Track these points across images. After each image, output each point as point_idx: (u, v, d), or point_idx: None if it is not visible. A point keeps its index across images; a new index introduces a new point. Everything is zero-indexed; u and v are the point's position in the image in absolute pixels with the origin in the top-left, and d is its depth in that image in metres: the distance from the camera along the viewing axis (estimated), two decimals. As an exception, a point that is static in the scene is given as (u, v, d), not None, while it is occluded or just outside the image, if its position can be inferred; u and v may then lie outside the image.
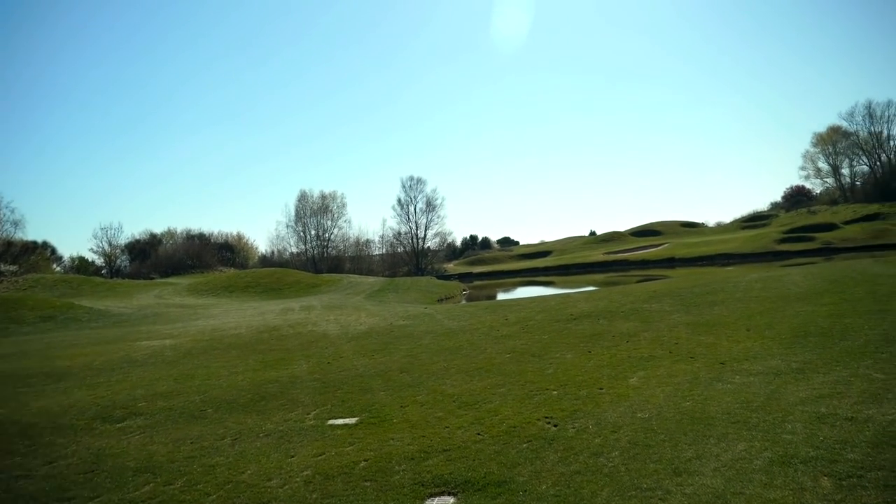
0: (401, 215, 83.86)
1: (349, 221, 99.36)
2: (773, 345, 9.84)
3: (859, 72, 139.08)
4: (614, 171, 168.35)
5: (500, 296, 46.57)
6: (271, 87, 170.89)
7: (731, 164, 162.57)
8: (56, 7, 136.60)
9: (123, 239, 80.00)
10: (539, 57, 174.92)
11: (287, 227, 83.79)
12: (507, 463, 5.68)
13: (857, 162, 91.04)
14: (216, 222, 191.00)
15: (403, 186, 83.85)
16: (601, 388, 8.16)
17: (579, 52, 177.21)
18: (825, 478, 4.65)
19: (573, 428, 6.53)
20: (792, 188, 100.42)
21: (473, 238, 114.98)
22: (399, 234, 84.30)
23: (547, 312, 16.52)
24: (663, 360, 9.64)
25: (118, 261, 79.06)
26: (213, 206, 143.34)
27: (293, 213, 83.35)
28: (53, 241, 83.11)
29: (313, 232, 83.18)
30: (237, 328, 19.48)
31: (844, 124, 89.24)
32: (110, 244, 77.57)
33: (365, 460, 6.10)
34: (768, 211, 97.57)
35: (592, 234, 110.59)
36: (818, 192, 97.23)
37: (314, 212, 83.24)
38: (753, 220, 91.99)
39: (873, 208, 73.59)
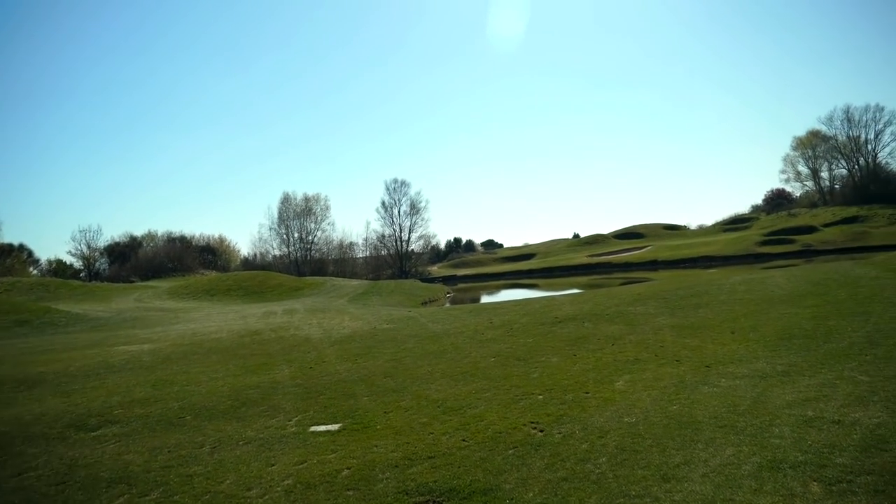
0: (385, 218, 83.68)
1: (333, 224, 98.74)
2: (757, 347, 9.83)
3: (838, 77, 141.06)
4: (597, 174, 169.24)
5: (485, 298, 46.52)
6: (256, 89, 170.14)
7: (712, 168, 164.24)
8: (32, 10, 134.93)
9: (102, 241, 79.06)
10: (523, 62, 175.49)
11: (270, 229, 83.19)
12: (493, 470, 5.56)
13: (836, 165, 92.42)
14: (198, 225, 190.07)
15: (388, 189, 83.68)
16: (587, 393, 8.07)
17: (563, 57, 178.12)
18: (815, 483, 4.59)
19: (559, 433, 6.43)
20: (772, 191, 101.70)
21: (457, 241, 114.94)
22: (383, 236, 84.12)
23: (531, 315, 16.45)
24: (649, 363, 9.58)
25: (97, 264, 78.11)
26: (194, 209, 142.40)
27: (276, 215, 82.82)
28: (30, 244, 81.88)
29: (296, 234, 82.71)
30: (218, 332, 19.21)
31: (823, 128, 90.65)
32: (89, 247, 76.68)
33: (348, 468, 5.96)
34: (749, 214, 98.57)
35: (576, 236, 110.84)
36: (798, 195, 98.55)
37: (297, 214, 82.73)
38: (735, 223, 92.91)
39: (852, 211, 74.66)
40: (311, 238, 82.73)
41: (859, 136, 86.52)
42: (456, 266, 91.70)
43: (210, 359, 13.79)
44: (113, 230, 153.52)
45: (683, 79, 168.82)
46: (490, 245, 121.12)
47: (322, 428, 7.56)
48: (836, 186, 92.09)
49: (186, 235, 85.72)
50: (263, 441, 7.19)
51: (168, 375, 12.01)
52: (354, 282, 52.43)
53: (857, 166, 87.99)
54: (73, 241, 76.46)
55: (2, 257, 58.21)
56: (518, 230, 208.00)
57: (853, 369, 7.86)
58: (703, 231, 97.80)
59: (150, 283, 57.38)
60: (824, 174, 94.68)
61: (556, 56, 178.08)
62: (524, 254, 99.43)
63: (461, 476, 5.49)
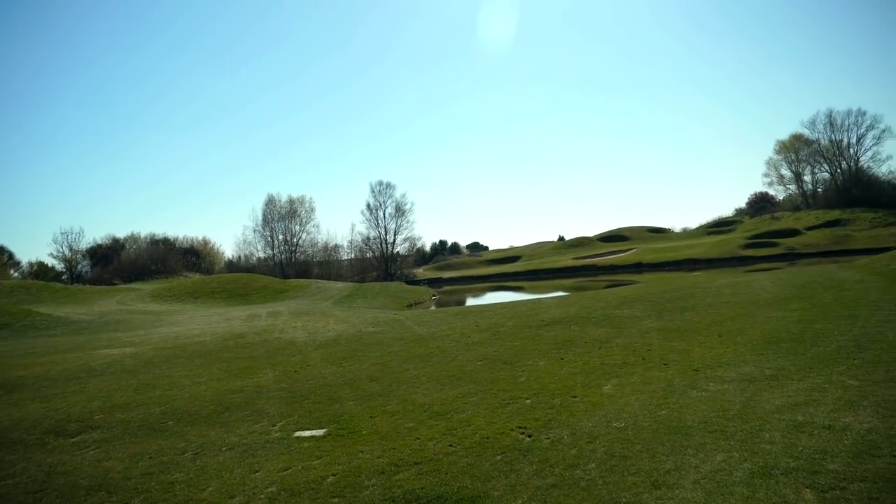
0: (370, 220, 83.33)
1: (318, 226, 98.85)
2: (745, 351, 9.83)
3: (821, 81, 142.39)
4: (583, 177, 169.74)
5: (470, 301, 46.46)
6: (241, 92, 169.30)
7: (696, 171, 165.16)
8: (12, 13, 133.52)
9: (85, 244, 78.10)
10: (510, 66, 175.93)
11: (254, 231, 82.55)
12: (481, 476, 5.48)
13: (819, 169, 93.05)
14: (181, 227, 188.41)
15: (373, 191, 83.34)
16: (575, 397, 8.02)
17: (550, 62, 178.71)
18: (807, 490, 4.54)
19: (548, 438, 6.36)
20: (756, 195, 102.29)
21: (443, 243, 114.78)
22: (368, 238, 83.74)
23: (518, 318, 16.40)
24: (636, 367, 9.54)
25: (79, 266, 77.15)
26: (178, 211, 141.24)
27: (260, 217, 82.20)
28: (11, 246, 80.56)
29: (281, 237, 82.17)
30: (201, 335, 18.99)
31: (806, 132, 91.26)
32: (71, 249, 75.76)
33: (333, 475, 5.86)
34: (733, 217, 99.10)
35: (561, 239, 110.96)
36: (781, 198, 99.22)
37: (282, 216, 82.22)
38: (719, 226, 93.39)
39: (835, 214, 75.27)
40: (295, 240, 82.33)
41: (842, 140, 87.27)
42: (441, 268, 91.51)
43: (193, 362, 13.61)
44: (95, 232, 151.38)
45: (668, 82, 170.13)
46: (475, 247, 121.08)
47: (307, 433, 7.45)
48: (819, 190, 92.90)
49: (170, 237, 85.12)
50: (247, 447, 7.07)
51: (150, 379, 11.83)
52: (339, 284, 52.17)
53: (839, 170, 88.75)
54: (55, 243, 75.59)
55: (-18, 259, 57.41)
56: (503, 233, 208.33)
57: (842, 373, 7.85)
58: (687, 234, 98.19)
59: (133, 285, 56.81)
60: (807, 178, 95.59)
61: (542, 61, 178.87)
62: (509, 256, 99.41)
63: (448, 483, 5.40)
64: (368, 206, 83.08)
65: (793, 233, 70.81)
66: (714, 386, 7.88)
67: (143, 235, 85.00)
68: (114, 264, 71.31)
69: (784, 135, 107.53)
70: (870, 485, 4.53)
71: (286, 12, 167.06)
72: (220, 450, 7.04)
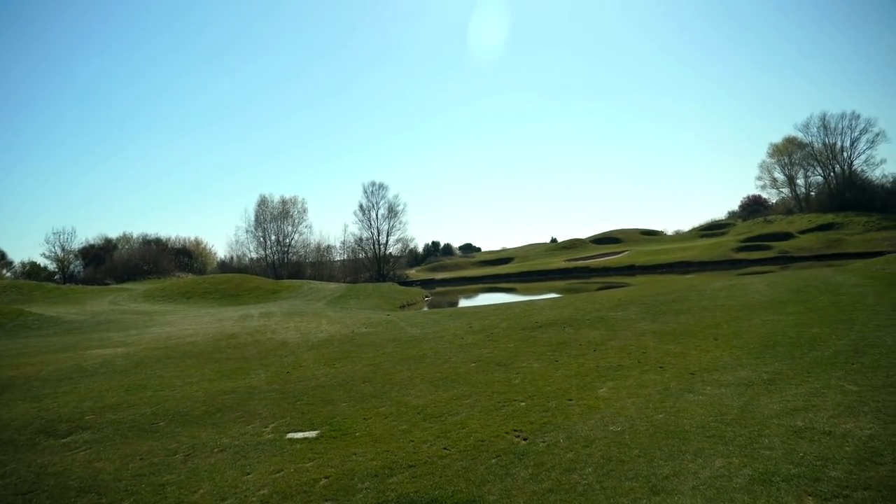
0: (362, 221, 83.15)
1: (310, 227, 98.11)
2: (742, 354, 9.79)
3: (815, 84, 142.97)
4: (575, 179, 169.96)
5: (463, 302, 46.43)
6: (235, 93, 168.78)
7: (689, 174, 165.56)
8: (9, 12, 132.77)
9: (77, 244, 77.63)
10: (504, 69, 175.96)
11: (247, 232, 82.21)
12: (476, 480, 5.43)
13: (812, 172, 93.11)
14: (174, 227, 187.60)
15: (365, 192, 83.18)
16: (570, 400, 7.97)
17: (543, 66, 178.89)
18: (810, 497, 4.50)
19: (543, 442, 6.31)
20: (748, 197, 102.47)
21: (435, 244, 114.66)
22: (361, 239, 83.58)
23: (512, 320, 16.35)
24: (632, 369, 9.50)
25: (72, 266, 76.70)
26: (170, 211, 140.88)
27: (253, 218, 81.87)
28: (3, 246, 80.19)
29: (273, 237, 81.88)
30: (193, 336, 18.88)
31: (800, 135, 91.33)
32: (63, 249, 75.26)
33: (326, 477, 5.80)
34: (726, 220, 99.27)
35: (554, 241, 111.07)
36: (774, 201, 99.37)
37: (274, 217, 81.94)
38: (711, 229, 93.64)
39: (828, 218, 75.40)
40: (288, 241, 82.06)
41: (835, 144, 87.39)
42: (434, 269, 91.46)
43: (185, 363, 13.52)
44: (87, 232, 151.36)
45: (661, 85, 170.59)
46: (468, 249, 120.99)
47: (299, 435, 7.38)
48: (812, 193, 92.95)
49: (162, 238, 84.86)
50: (239, 448, 7.00)
51: (142, 380, 11.73)
52: (332, 285, 52.04)
53: (832, 173, 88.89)
54: (47, 243, 75.05)
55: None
56: (496, 234, 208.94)
57: (840, 378, 7.80)
58: (679, 237, 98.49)
59: (126, 285, 56.57)
60: (800, 181, 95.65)
61: (536, 64, 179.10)
62: (502, 258, 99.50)
63: (443, 486, 5.35)
64: (361, 206, 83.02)
65: (786, 236, 71.01)
66: (711, 390, 7.84)
67: (135, 236, 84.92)
68: (106, 264, 71.04)
69: (777, 138, 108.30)
70: (874, 493, 4.47)
71: (284, 14, 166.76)
72: (212, 451, 6.97)
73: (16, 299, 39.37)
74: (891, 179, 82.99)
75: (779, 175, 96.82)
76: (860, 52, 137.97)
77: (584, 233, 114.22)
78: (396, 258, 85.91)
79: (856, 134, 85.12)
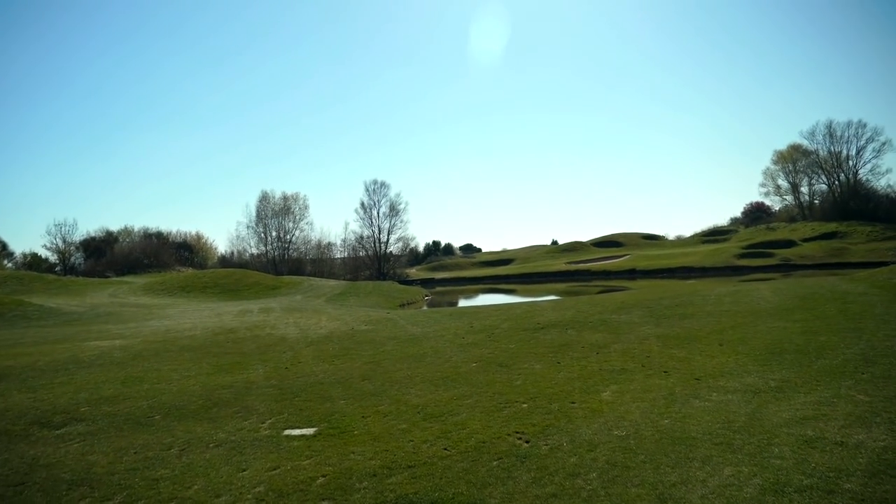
0: (364, 219, 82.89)
1: (311, 224, 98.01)
2: (747, 361, 9.65)
3: (822, 92, 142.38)
4: (578, 183, 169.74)
5: (463, 302, 46.31)
6: (240, 89, 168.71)
7: (692, 179, 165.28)
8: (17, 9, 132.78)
9: (78, 236, 77.51)
10: (509, 73, 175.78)
11: (248, 227, 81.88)
12: (477, 483, 5.31)
13: (817, 181, 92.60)
14: (175, 221, 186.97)
15: (367, 190, 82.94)
16: (573, 402, 7.84)
17: (547, 65, 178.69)
18: (823, 509, 4.36)
19: (546, 445, 6.19)
20: (751, 204, 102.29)
21: (436, 244, 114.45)
22: (361, 237, 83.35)
23: (513, 321, 16.22)
24: (636, 373, 9.37)
25: (72, 258, 76.67)
26: (172, 205, 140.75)
27: (254, 213, 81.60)
28: (5, 237, 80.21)
29: (274, 233, 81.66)
30: (192, 330, 18.78)
31: (805, 143, 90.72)
32: (64, 241, 75.15)
33: (323, 476, 5.68)
34: (728, 226, 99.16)
35: (555, 243, 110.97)
36: (777, 208, 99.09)
37: (275, 213, 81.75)
38: (713, 235, 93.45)
39: (831, 227, 75.06)
40: (289, 237, 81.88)
41: (840, 152, 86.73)
42: (434, 269, 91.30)
43: (183, 356, 13.41)
44: (89, 225, 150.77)
45: (667, 91, 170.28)
46: (469, 249, 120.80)
47: (297, 432, 7.27)
48: (816, 201, 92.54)
49: (163, 231, 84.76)
50: (235, 444, 6.88)
51: (139, 373, 11.62)
52: (332, 282, 51.95)
53: (837, 182, 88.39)
54: (49, 234, 74.96)
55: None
56: (497, 235, 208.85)
57: (850, 388, 7.65)
58: (681, 242, 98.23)
59: (126, 278, 56.47)
60: (804, 189, 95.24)
61: (541, 70, 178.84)
62: (503, 259, 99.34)
63: (443, 488, 5.24)
64: (363, 204, 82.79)
65: (788, 244, 70.73)
66: (717, 396, 7.70)
67: (136, 229, 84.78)
68: (107, 257, 70.99)
69: (782, 145, 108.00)
70: (890, 507, 4.34)
71: (294, 19, 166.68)
72: (208, 446, 6.86)
73: (16, 290, 39.30)
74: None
75: (783, 182, 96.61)
76: (868, 59, 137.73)
77: (586, 236, 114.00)
78: (397, 257, 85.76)
79: (862, 143, 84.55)
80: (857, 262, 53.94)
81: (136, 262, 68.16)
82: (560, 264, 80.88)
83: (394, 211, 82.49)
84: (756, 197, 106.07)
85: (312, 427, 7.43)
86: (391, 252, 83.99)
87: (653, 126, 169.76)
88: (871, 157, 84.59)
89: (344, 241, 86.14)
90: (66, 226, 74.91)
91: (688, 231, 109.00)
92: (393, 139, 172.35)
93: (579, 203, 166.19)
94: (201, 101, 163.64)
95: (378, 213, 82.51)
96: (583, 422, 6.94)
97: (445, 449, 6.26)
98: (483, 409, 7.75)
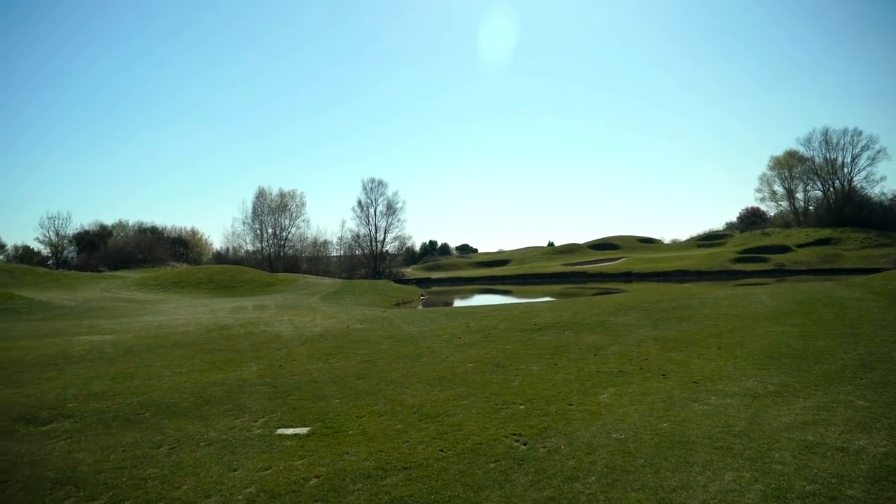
0: (360, 217, 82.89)
1: (307, 221, 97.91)
2: (746, 365, 9.53)
3: (819, 98, 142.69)
4: (575, 185, 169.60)
5: (458, 302, 46.18)
6: (235, 83, 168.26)
7: (688, 183, 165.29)
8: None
9: (72, 229, 77.11)
10: (506, 76, 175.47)
11: (244, 224, 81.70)
12: (474, 486, 5.18)
13: (812, 187, 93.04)
14: (170, 216, 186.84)
15: (364, 188, 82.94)
16: (571, 405, 7.71)
17: (548, 72, 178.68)
18: (827, 516, 4.23)
19: (544, 447, 6.06)
20: (747, 209, 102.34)
21: (433, 244, 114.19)
22: (358, 236, 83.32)
23: (510, 321, 16.07)
24: (634, 376, 9.24)
25: (65, 252, 76.21)
26: (167, 200, 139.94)
27: (251, 210, 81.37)
28: (-4, 229, 79.82)
29: (270, 230, 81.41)
30: (185, 326, 18.59)
31: (801, 149, 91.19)
32: (58, 234, 74.89)
33: (316, 477, 5.54)
34: (723, 230, 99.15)
35: (551, 244, 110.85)
36: (772, 214, 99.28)
37: (272, 210, 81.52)
38: (709, 239, 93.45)
39: (825, 233, 75.38)
40: (285, 234, 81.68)
41: (836, 159, 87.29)
42: (430, 269, 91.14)
43: (175, 353, 13.22)
44: (83, 218, 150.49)
45: (665, 95, 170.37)
46: (465, 249, 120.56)
47: (290, 431, 7.11)
48: (811, 208, 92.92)
49: (158, 226, 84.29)
50: (226, 443, 6.73)
51: (129, 369, 11.44)
52: (328, 280, 51.79)
53: (832, 189, 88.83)
54: (42, 227, 74.75)
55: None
56: (493, 236, 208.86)
57: (849, 393, 7.56)
58: (677, 245, 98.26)
59: (119, 273, 56.15)
60: (799, 195, 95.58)
61: (538, 73, 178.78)
62: (499, 259, 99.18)
63: (439, 491, 5.10)
64: (360, 202, 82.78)
65: (783, 249, 70.91)
66: (716, 400, 7.58)
67: (131, 223, 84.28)
68: (100, 251, 70.47)
69: (779, 151, 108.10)
70: (894, 513, 4.23)
71: (297, 19, 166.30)
72: (198, 445, 6.70)
73: (6, 283, 38.97)
74: (889, 197, 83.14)
75: (778, 188, 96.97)
76: (865, 67, 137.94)
77: (582, 238, 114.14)
78: (393, 256, 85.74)
79: (857, 150, 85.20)
80: (850, 269, 54.20)
81: (130, 257, 67.72)
82: (556, 266, 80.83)
83: (391, 210, 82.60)
84: (752, 202, 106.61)
85: (306, 426, 7.27)
86: (387, 251, 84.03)
87: (650, 129, 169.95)
88: (865, 164, 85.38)
89: (340, 239, 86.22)
90: (59, 219, 74.80)
91: (684, 235, 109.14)
92: (391, 140, 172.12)
93: (576, 205, 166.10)
94: (204, 98, 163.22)
95: (375, 212, 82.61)
96: (581, 424, 6.82)
97: (441, 450, 6.12)
98: (480, 411, 7.61)
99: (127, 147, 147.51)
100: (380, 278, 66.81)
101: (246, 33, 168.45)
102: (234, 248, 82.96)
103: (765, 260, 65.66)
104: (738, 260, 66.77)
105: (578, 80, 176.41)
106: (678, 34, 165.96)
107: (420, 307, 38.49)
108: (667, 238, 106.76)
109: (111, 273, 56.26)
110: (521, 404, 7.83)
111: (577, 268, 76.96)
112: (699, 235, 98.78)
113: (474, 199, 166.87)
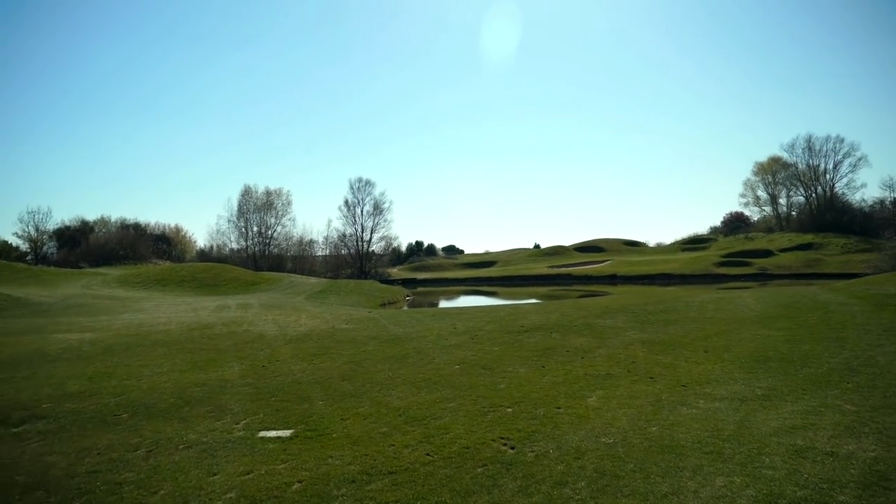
0: (347, 217, 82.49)
1: (293, 220, 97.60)
2: (733, 368, 9.49)
3: (802, 106, 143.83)
4: (561, 188, 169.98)
5: (444, 304, 46.09)
6: (225, 82, 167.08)
7: (673, 188, 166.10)
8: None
9: (52, 224, 75.69)
10: (496, 79, 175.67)
11: (229, 221, 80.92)
12: (461, 491, 5.03)
13: (795, 192, 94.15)
14: (153, 213, 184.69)
15: (351, 188, 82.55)
16: (559, 408, 7.59)
17: (535, 75, 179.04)
18: (821, 524, 4.13)
19: (532, 452, 5.93)
20: (731, 214, 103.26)
21: (419, 244, 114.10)
22: (344, 235, 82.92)
23: (497, 323, 15.95)
24: (621, 379, 9.14)
25: (45, 247, 74.94)
26: (151, 196, 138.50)
27: (236, 207, 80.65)
28: (-28, 224, 78.61)
29: (255, 228, 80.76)
30: (167, 324, 18.29)
31: (785, 155, 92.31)
32: (37, 229, 73.56)
33: (299, 482, 5.36)
34: (708, 234, 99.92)
35: (537, 246, 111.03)
36: (756, 219, 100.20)
37: (258, 208, 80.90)
38: (693, 243, 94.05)
39: (807, 238, 76.28)
40: (270, 233, 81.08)
41: (818, 166, 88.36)
42: (416, 269, 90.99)
43: (155, 352, 12.97)
44: (64, 213, 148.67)
45: (650, 100, 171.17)
46: (451, 250, 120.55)
47: (272, 433, 6.93)
48: (793, 213, 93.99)
49: (141, 223, 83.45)
50: (206, 446, 6.53)
51: (107, 368, 11.20)
52: (313, 279, 51.44)
53: (814, 195, 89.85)
54: (21, 222, 73.44)
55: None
56: (479, 237, 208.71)
57: (837, 397, 7.54)
58: (661, 249, 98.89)
59: (100, 269, 55.45)
60: (782, 200, 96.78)
61: (526, 76, 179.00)
62: (485, 261, 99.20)
63: (426, 496, 4.96)
64: (346, 202, 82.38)
65: (766, 253, 71.50)
66: (704, 403, 7.51)
67: (113, 219, 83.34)
68: (81, 247, 69.47)
69: (763, 156, 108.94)
70: (888, 521, 4.14)
71: (292, 17, 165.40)
72: (177, 448, 6.50)
73: (-17, 279, 38.38)
74: (870, 203, 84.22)
75: (762, 193, 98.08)
76: (848, 75, 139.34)
77: (568, 240, 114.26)
78: (379, 256, 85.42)
79: (839, 157, 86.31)
80: (831, 273, 54.75)
81: (112, 254, 66.89)
82: (542, 268, 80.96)
83: (378, 210, 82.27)
84: (736, 207, 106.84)
85: (289, 429, 7.10)
86: (373, 251, 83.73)
87: (636, 133, 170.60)
88: (847, 171, 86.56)
89: (326, 238, 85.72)
90: (39, 213, 73.28)
91: (668, 238, 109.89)
92: (379, 140, 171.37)
93: (562, 208, 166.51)
94: (195, 97, 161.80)
95: (362, 212, 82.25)
96: (569, 428, 6.70)
97: (428, 454, 5.97)
98: (467, 413, 7.47)
99: (113, 144, 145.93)
100: (365, 278, 66.50)
101: (239, 33, 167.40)
102: (218, 246, 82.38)
103: (748, 264, 66.17)
104: (721, 264, 67.22)
105: (565, 84, 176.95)
106: (669, 34, 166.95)
107: (406, 308, 38.33)
108: (652, 241, 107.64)
109: (92, 270, 55.57)
110: (508, 407, 7.70)
111: (563, 270, 77.09)
112: (684, 239, 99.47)
113: (461, 201, 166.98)
